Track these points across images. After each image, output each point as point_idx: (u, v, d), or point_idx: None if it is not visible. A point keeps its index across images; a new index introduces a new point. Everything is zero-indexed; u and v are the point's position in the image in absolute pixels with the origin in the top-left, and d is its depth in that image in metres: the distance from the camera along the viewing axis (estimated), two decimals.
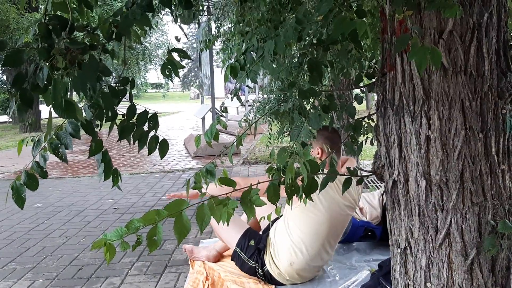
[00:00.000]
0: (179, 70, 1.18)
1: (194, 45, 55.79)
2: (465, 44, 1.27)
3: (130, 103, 1.17)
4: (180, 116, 19.38)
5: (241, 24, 2.57)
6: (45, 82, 0.94)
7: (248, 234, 2.65)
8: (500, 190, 1.35)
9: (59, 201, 5.02)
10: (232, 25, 4.68)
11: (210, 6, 6.71)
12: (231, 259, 2.76)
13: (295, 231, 2.50)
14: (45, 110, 15.87)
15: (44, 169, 1.20)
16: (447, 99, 1.30)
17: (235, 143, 1.62)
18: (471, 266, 1.36)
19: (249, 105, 13.49)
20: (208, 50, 8.11)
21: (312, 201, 1.41)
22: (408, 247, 1.45)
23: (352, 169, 1.50)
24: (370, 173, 1.54)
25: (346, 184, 1.48)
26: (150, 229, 1.13)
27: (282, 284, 2.60)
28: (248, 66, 1.66)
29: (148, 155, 1.38)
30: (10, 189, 1.19)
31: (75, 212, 4.52)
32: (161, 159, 1.39)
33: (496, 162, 1.33)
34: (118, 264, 3.12)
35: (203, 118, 11.03)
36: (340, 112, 1.58)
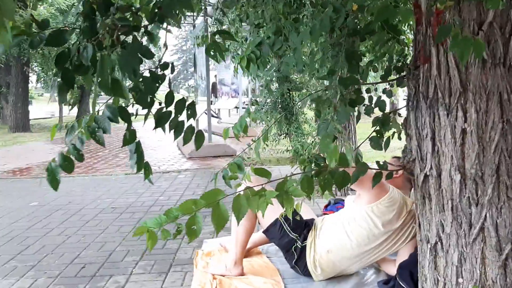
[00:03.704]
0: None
1: (184, 48, 55.64)
2: (504, 36, 1.26)
3: (169, 90, 1.14)
4: None
5: (253, 17, 2.55)
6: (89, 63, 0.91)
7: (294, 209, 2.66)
8: None
9: (55, 200, 4.94)
10: (233, 23, 4.67)
11: (208, 7, 6.68)
12: (264, 231, 2.77)
13: (347, 229, 2.53)
14: (33, 110, 15.70)
15: (80, 152, 1.16)
16: (485, 92, 1.28)
17: (261, 138, 1.60)
18: (505, 262, 1.34)
19: (243, 108, 13.47)
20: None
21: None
22: (439, 242, 1.43)
23: (381, 163, 1.48)
24: (399, 168, 1.52)
25: (377, 178, 1.46)
26: (189, 218, 1.10)
27: (300, 272, 2.67)
28: (261, 58, 1.64)
29: (183, 145, 1.34)
30: (45, 170, 1.15)
31: (73, 211, 4.45)
32: (196, 150, 1.35)
33: None
34: (121, 263, 3.06)
35: (197, 120, 10.97)
36: (370, 107, 1.56)
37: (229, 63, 11.93)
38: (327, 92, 1.40)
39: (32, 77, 17.69)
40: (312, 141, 6.46)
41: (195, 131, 1.26)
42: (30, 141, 11.51)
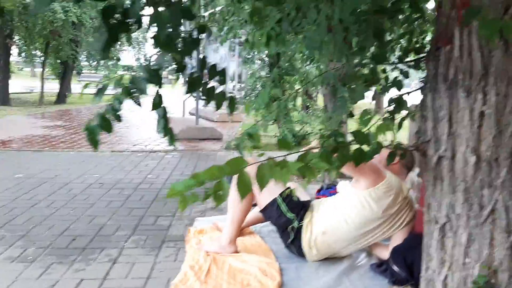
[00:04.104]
0: None
1: None
2: None
3: (202, 56, 1.12)
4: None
5: None
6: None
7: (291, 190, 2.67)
8: None
9: (41, 173, 4.86)
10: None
11: None
12: (261, 211, 2.79)
13: (343, 212, 2.57)
14: (12, 84, 15.33)
15: (118, 113, 1.14)
16: (506, 76, 1.30)
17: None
18: None
19: (229, 93, 13.41)
20: None
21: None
22: (447, 223, 1.46)
23: (395, 143, 1.49)
24: (412, 149, 1.54)
25: (390, 158, 1.48)
26: (215, 184, 1.09)
27: (294, 252, 2.70)
28: (281, 36, 1.63)
29: (216, 110, 1.32)
30: (85, 130, 1.14)
31: (60, 185, 4.38)
32: (230, 115, 1.34)
33: None
34: (113, 237, 3.04)
35: (183, 101, 10.91)
36: (387, 86, 1.57)
37: (217, 47, 11.85)
38: (360, 68, 1.40)
39: (14, 51, 17.23)
40: (301, 129, 6.48)
41: (227, 96, 1.25)
42: (10, 114, 11.26)
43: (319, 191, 3.70)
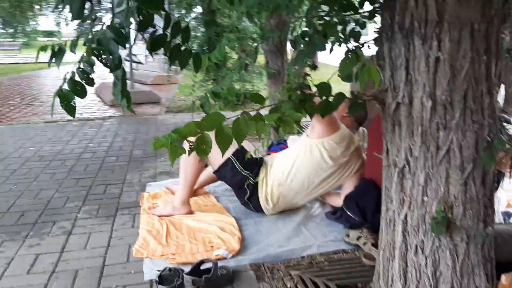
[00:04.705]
0: None
1: None
2: None
3: (166, 12, 1.08)
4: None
5: None
6: None
7: (243, 149, 2.68)
8: (494, 109, 1.48)
9: None
10: None
11: None
12: (214, 172, 2.83)
13: (297, 163, 2.65)
14: None
15: (90, 76, 1.08)
16: (459, 22, 1.37)
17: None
18: (467, 180, 1.49)
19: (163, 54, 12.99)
20: None
21: None
22: (406, 166, 1.54)
23: (356, 93, 1.54)
24: (371, 98, 1.59)
25: (353, 109, 1.52)
26: (197, 138, 1.08)
27: (252, 208, 2.79)
28: None
29: (181, 69, 1.29)
30: (57, 97, 1.07)
31: None
32: (196, 73, 1.31)
33: (493, 83, 1.45)
34: (63, 209, 2.95)
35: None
36: (344, 38, 1.60)
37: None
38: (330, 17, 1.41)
39: None
40: (241, 87, 6.46)
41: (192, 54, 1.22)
42: None
43: (269, 147, 3.76)
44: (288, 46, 4.59)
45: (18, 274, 2.14)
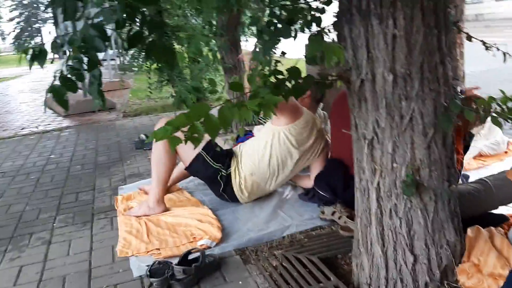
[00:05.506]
0: None
1: (25, 1, 49.77)
2: None
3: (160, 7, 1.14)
4: (26, 80, 17.45)
5: None
6: None
7: (211, 143, 2.77)
8: (448, 77, 1.63)
9: None
10: None
11: None
12: (186, 168, 2.89)
13: (265, 151, 2.74)
14: None
15: (80, 72, 1.13)
16: (411, 0, 1.50)
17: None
18: (430, 143, 1.63)
19: (111, 60, 12.77)
20: None
21: None
22: (375, 137, 1.67)
23: (323, 74, 1.65)
24: (336, 77, 1.71)
25: (321, 89, 1.63)
26: (189, 127, 1.15)
27: (227, 199, 2.87)
28: None
29: (157, 64, 1.35)
30: (49, 93, 1.11)
31: None
32: (171, 69, 1.37)
33: (445, 53, 1.60)
34: (37, 221, 2.92)
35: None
36: (307, 22, 1.70)
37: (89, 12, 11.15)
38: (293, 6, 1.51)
39: None
40: (200, 84, 6.48)
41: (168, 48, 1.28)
42: None
43: (236, 139, 3.85)
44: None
45: (4, 287, 2.14)
